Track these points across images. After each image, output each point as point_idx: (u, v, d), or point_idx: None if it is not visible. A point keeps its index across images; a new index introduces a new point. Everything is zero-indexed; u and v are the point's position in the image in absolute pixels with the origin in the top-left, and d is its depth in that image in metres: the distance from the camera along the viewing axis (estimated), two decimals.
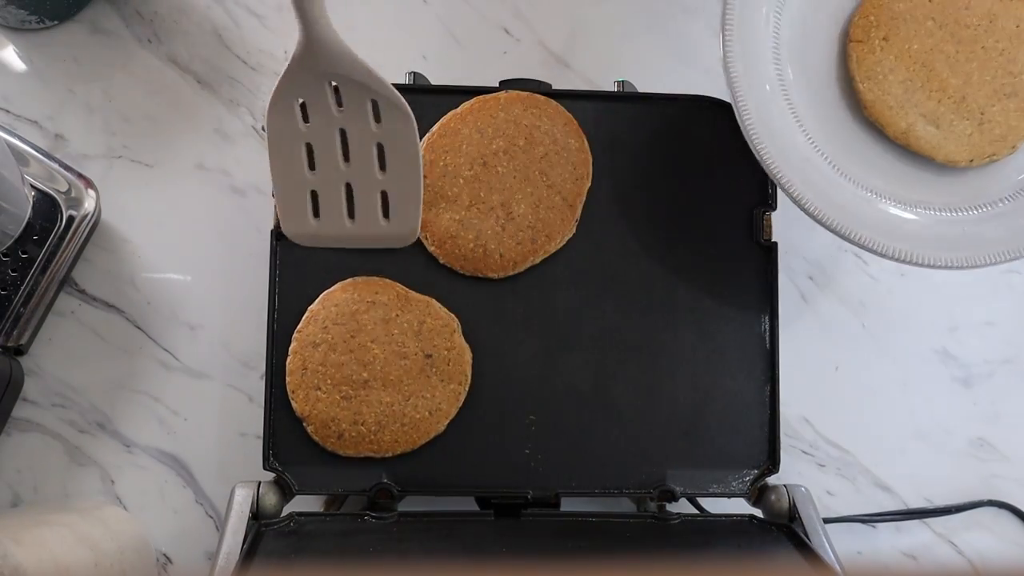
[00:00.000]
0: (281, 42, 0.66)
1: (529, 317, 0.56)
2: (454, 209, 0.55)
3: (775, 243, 0.57)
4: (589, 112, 0.58)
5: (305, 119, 0.50)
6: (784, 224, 0.58)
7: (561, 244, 0.56)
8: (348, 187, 0.51)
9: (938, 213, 0.53)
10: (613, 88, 0.60)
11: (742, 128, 0.52)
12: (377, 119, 0.50)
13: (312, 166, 0.51)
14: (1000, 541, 0.65)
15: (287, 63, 0.49)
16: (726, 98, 0.58)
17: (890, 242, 0.51)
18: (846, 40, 0.53)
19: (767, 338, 0.57)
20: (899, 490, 0.65)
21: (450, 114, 0.56)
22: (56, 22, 0.64)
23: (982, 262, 0.51)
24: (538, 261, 0.56)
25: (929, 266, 0.51)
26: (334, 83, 0.50)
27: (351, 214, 0.51)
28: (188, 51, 0.65)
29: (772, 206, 0.58)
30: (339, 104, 0.50)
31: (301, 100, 0.50)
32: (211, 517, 0.62)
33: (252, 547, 0.49)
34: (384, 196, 0.51)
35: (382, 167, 0.51)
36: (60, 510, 0.58)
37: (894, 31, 0.52)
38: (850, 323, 0.66)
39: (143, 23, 0.65)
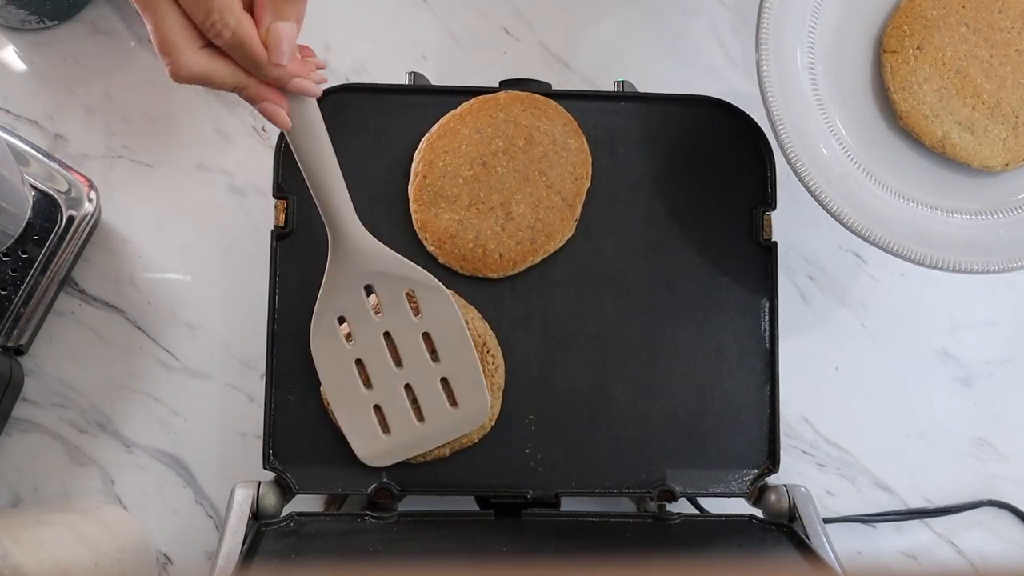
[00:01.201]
0: None
1: (529, 317, 0.56)
2: (453, 209, 0.55)
3: (775, 243, 0.57)
4: (589, 112, 0.58)
5: (347, 335, 0.53)
6: (784, 224, 0.58)
7: (561, 244, 0.56)
8: (408, 388, 0.53)
9: (974, 218, 0.53)
10: (613, 88, 0.60)
11: (780, 146, 0.52)
12: (414, 308, 0.53)
13: (368, 383, 0.53)
14: (1000, 541, 0.65)
15: (324, 282, 0.52)
16: (726, 98, 0.59)
17: (930, 251, 0.51)
18: (880, 50, 0.53)
19: (767, 338, 0.57)
20: (899, 490, 0.65)
21: (450, 114, 0.56)
22: (56, 22, 0.64)
23: (1019, 265, 0.51)
24: (537, 261, 0.56)
25: (968, 271, 0.51)
26: (368, 283, 0.52)
27: (419, 416, 0.54)
28: None
29: (772, 206, 0.58)
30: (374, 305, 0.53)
31: (339, 315, 0.53)
32: (211, 517, 0.62)
33: (252, 547, 0.49)
34: (444, 382, 0.53)
35: (433, 356, 0.53)
36: (60, 510, 0.58)
37: (928, 39, 0.52)
38: (850, 323, 0.66)
39: (143, 23, 0.65)
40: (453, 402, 0.54)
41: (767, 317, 0.57)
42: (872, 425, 0.65)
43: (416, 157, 0.56)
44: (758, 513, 0.56)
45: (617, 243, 0.57)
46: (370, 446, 0.54)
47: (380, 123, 0.57)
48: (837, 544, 0.52)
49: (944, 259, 0.51)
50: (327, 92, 0.55)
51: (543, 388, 0.56)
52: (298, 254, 0.55)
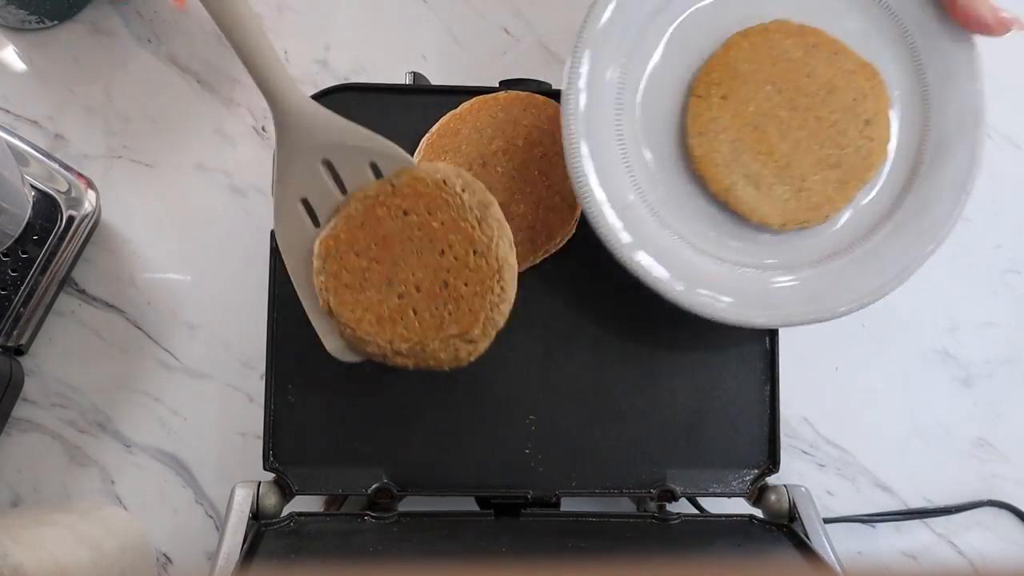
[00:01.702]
0: (281, 42, 0.66)
1: (529, 317, 0.56)
2: None
3: None
4: None
5: (313, 219, 0.49)
6: None
7: (561, 243, 0.56)
8: None
9: (744, 270, 0.53)
10: None
11: (568, 166, 0.51)
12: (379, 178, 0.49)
13: None
14: (1000, 541, 0.65)
15: (274, 158, 0.48)
16: None
17: (698, 292, 0.51)
18: (689, 94, 0.53)
19: (767, 338, 0.57)
20: (899, 490, 0.65)
21: (449, 115, 0.56)
22: (56, 22, 0.64)
23: (776, 323, 0.52)
24: (538, 261, 0.56)
25: (726, 320, 0.51)
26: (325, 158, 0.48)
27: None
28: (188, 51, 0.65)
29: None
30: (337, 182, 0.49)
31: (302, 197, 0.49)
32: (211, 517, 0.62)
33: (252, 547, 0.49)
34: None
35: None
36: (60, 510, 0.58)
37: (733, 91, 0.52)
38: (850, 323, 0.66)
39: (143, 23, 0.65)
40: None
41: None
42: (872, 425, 0.65)
43: (415, 157, 0.56)
44: (758, 513, 0.56)
45: None
46: (338, 339, 0.50)
47: (380, 123, 0.57)
48: (837, 544, 0.52)
49: (709, 304, 0.51)
50: (327, 92, 0.55)
51: (543, 388, 0.56)
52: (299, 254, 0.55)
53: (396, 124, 0.57)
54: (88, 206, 0.61)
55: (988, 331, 0.67)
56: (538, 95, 0.57)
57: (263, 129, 0.65)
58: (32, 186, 0.60)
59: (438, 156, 0.55)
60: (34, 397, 0.62)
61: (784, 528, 0.54)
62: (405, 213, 0.49)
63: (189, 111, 0.65)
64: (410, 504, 0.55)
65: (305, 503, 0.57)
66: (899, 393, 0.66)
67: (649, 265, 0.51)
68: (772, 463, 0.56)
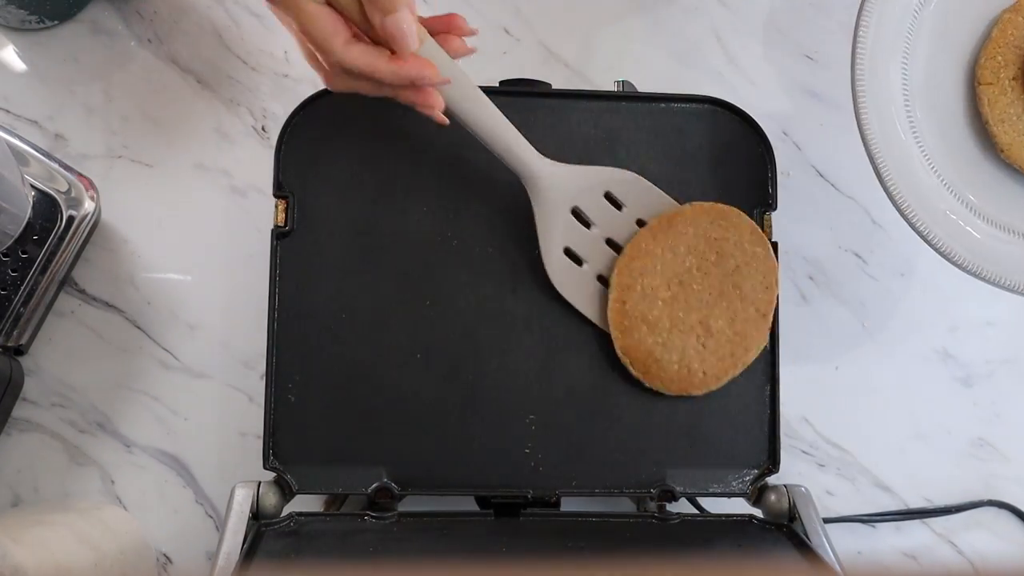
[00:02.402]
0: (281, 42, 0.66)
1: (529, 317, 0.56)
2: (656, 333, 0.55)
3: (775, 243, 0.57)
4: (589, 112, 0.58)
5: (575, 261, 0.55)
6: (784, 224, 0.58)
7: (757, 354, 0.56)
8: None
9: None
10: (613, 88, 0.60)
11: (883, 187, 0.51)
12: (616, 204, 0.55)
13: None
14: (1000, 541, 0.65)
15: (537, 225, 0.54)
16: (726, 98, 0.58)
17: None
18: (975, 82, 0.52)
19: (767, 338, 0.57)
20: (899, 490, 0.65)
21: (640, 233, 0.55)
22: (56, 22, 0.64)
23: None
24: (737, 374, 0.56)
25: None
26: (573, 207, 0.55)
27: None
28: (188, 51, 0.65)
29: (772, 206, 0.58)
30: (583, 222, 0.55)
31: (564, 247, 0.55)
32: (211, 517, 0.62)
33: (252, 547, 0.49)
34: None
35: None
36: (60, 510, 0.58)
37: None
38: (850, 323, 0.66)
39: (143, 23, 0.65)
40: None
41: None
42: (872, 425, 0.65)
43: (612, 281, 0.55)
44: (758, 513, 0.56)
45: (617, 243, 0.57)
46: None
47: (380, 123, 0.57)
48: (837, 544, 0.52)
49: None
50: (327, 92, 0.55)
51: (543, 388, 0.56)
52: (298, 254, 0.55)
53: (397, 124, 0.57)
54: (88, 206, 0.60)
55: (988, 331, 0.67)
56: (721, 205, 0.56)
57: (263, 129, 0.65)
58: (32, 186, 0.60)
59: (635, 280, 0.55)
60: (34, 397, 0.62)
61: (784, 528, 0.54)
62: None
63: (189, 111, 0.65)
64: (410, 504, 0.55)
65: (305, 503, 0.57)
66: (899, 393, 0.66)
67: (990, 269, 0.51)
68: (772, 463, 0.56)
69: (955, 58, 0.52)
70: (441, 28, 0.50)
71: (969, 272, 0.51)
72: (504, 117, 0.52)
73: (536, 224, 0.54)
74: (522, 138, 0.52)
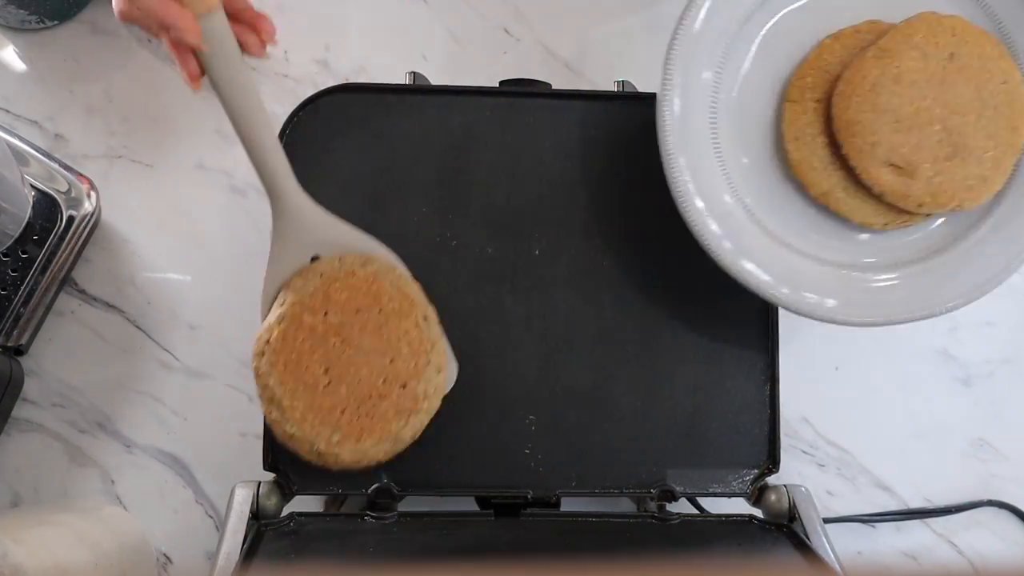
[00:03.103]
0: (281, 42, 0.66)
1: (529, 317, 0.56)
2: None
3: None
4: (589, 112, 0.58)
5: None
6: None
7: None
8: None
9: (846, 271, 0.53)
10: (613, 88, 0.60)
11: (667, 176, 0.52)
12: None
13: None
14: (1000, 541, 0.65)
15: (270, 257, 0.51)
16: None
17: (799, 295, 0.51)
18: (782, 100, 0.53)
19: (767, 338, 0.57)
20: (899, 490, 0.65)
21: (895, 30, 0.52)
22: (56, 22, 0.64)
23: (880, 320, 0.52)
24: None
25: (833, 321, 0.51)
26: (315, 255, 0.52)
27: None
28: None
29: None
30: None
31: (281, 282, 0.52)
32: (211, 517, 0.62)
33: (252, 547, 0.49)
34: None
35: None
36: (60, 510, 0.58)
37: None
38: None
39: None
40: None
41: (767, 317, 0.57)
42: (872, 425, 0.65)
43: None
44: (758, 513, 0.56)
45: (617, 243, 0.57)
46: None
47: (380, 123, 0.57)
48: (837, 544, 0.52)
49: (817, 306, 0.51)
50: (327, 92, 0.55)
51: (543, 388, 0.56)
52: None
53: (396, 124, 0.57)
54: (88, 206, 0.61)
55: (988, 331, 0.67)
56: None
57: None
58: (32, 186, 0.60)
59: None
60: (34, 397, 0.62)
61: (784, 528, 0.54)
62: (357, 311, 0.51)
63: (189, 111, 0.65)
64: (410, 504, 0.55)
65: (305, 503, 0.57)
66: (899, 393, 0.66)
67: (753, 271, 0.51)
68: (772, 463, 0.56)
69: (773, 74, 0.53)
70: (246, 20, 0.53)
71: (727, 269, 0.52)
72: (273, 131, 0.50)
73: (270, 255, 0.52)
74: (283, 156, 0.51)
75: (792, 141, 0.52)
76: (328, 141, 0.56)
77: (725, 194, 0.52)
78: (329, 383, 0.50)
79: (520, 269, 0.56)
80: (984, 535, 0.65)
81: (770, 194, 0.53)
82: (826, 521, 0.55)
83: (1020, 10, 0.53)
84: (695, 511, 0.60)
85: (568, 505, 0.56)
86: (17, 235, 0.59)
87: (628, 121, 0.58)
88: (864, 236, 0.53)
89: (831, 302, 0.52)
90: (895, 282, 0.53)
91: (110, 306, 0.63)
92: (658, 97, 0.52)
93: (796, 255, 0.53)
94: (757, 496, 0.56)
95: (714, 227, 0.52)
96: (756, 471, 0.56)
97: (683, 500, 0.58)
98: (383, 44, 0.67)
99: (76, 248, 0.61)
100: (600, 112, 0.58)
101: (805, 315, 0.52)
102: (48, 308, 0.61)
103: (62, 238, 0.60)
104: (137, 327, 0.63)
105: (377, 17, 0.67)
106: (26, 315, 0.59)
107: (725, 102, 0.53)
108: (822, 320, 0.52)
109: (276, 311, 0.51)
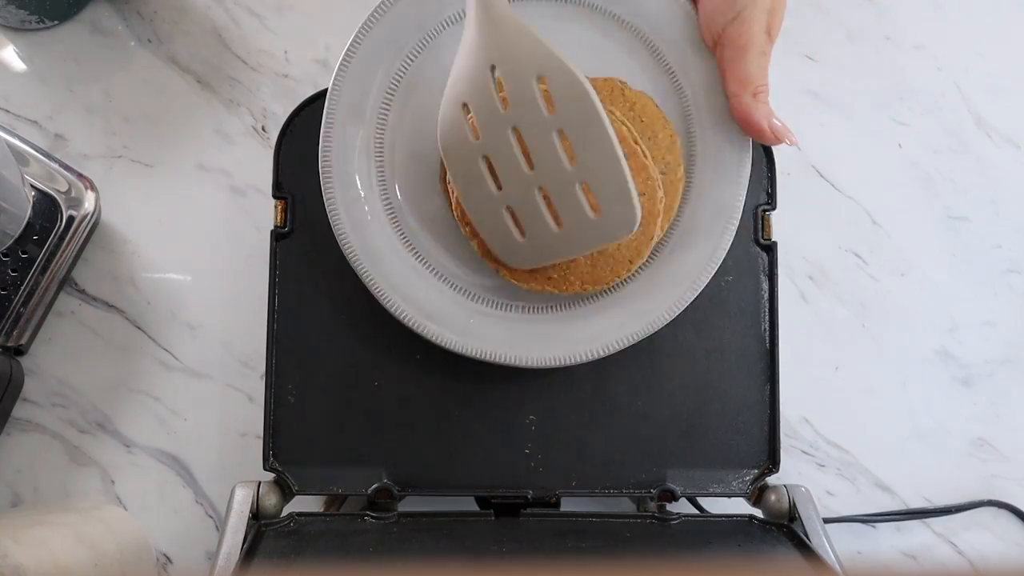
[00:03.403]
0: (281, 42, 0.66)
1: None
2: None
3: (775, 243, 0.57)
4: None
5: (473, 130, 0.48)
6: (784, 224, 0.58)
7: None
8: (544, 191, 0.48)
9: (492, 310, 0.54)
10: None
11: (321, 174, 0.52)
12: (548, 102, 0.46)
13: (499, 183, 0.48)
14: (1000, 541, 0.65)
15: (454, 63, 0.47)
16: None
17: (409, 307, 0.52)
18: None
19: (767, 338, 0.57)
20: (899, 490, 0.65)
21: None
22: (56, 22, 0.64)
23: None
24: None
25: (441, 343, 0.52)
26: (492, 63, 0.46)
27: (556, 221, 0.48)
28: (188, 51, 0.65)
29: (772, 206, 0.58)
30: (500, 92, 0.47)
31: (463, 101, 0.48)
32: (211, 517, 0.62)
33: (252, 547, 0.49)
34: (585, 186, 0.47)
35: (573, 156, 0.46)
36: (60, 510, 0.58)
37: None
38: (850, 323, 0.66)
39: (143, 23, 0.65)
40: (595, 208, 0.47)
41: (767, 317, 0.57)
42: (872, 425, 0.65)
43: None
44: (758, 513, 0.56)
45: None
46: (507, 249, 0.50)
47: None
48: (837, 544, 0.52)
49: (425, 325, 0.52)
50: (327, 92, 0.55)
51: (543, 388, 0.56)
52: (298, 254, 0.55)
53: None
54: (88, 206, 0.61)
55: (988, 331, 0.67)
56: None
57: (263, 129, 0.65)
58: (32, 186, 0.60)
59: None
60: (34, 397, 0.62)
61: (784, 528, 0.54)
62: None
63: (189, 111, 0.65)
64: (410, 504, 0.55)
65: (305, 503, 0.57)
66: (899, 393, 0.66)
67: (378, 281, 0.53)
68: (772, 463, 0.56)
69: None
70: None
71: (353, 265, 0.52)
72: None
73: (455, 60, 0.47)
74: None
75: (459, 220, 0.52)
76: None
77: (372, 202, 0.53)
78: None
79: None
80: (984, 535, 0.65)
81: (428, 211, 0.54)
82: (826, 521, 0.55)
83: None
84: (695, 511, 0.60)
85: (568, 505, 0.56)
86: (17, 235, 0.59)
87: None
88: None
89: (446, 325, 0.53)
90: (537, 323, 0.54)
91: (110, 306, 0.63)
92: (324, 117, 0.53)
93: (446, 284, 0.54)
94: (757, 496, 0.56)
95: (345, 218, 0.52)
96: (756, 471, 0.56)
97: (683, 500, 0.58)
98: None
99: (76, 248, 0.61)
100: None
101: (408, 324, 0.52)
102: (48, 308, 0.61)
103: (62, 238, 0.60)
104: (137, 327, 0.63)
105: None
106: (26, 315, 0.59)
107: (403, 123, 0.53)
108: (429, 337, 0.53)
109: None
